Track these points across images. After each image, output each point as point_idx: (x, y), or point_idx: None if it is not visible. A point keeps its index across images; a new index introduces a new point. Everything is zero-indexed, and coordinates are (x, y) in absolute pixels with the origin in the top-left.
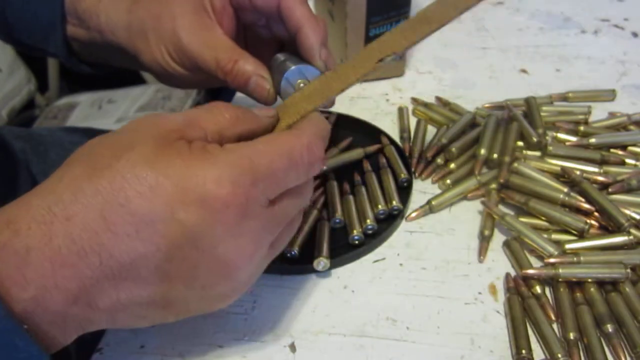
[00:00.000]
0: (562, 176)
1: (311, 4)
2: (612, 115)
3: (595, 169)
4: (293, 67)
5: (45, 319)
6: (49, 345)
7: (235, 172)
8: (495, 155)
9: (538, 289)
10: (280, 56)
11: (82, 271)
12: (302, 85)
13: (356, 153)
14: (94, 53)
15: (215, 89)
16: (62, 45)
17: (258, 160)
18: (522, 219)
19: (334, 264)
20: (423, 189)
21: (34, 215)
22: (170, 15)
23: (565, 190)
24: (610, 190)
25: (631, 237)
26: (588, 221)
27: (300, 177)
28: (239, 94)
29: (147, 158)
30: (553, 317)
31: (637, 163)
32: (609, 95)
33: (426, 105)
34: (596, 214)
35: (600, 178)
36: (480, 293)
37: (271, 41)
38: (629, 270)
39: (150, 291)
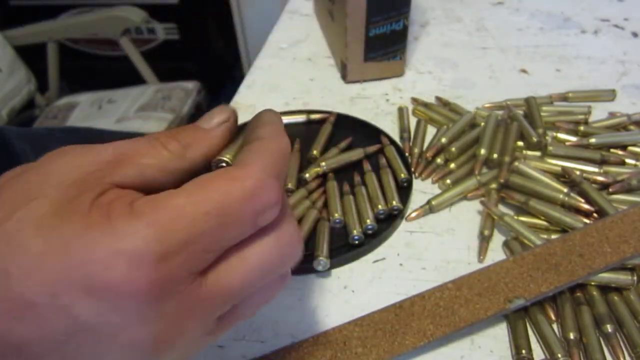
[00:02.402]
0: (563, 176)
1: (311, 4)
2: (612, 115)
3: (595, 169)
4: None
5: None
6: None
7: (134, 247)
8: (495, 155)
9: None
10: None
11: None
12: None
13: (356, 153)
14: None
15: (216, 87)
16: None
17: (172, 225)
18: (522, 219)
19: (334, 264)
20: (423, 189)
21: None
22: None
23: (565, 190)
24: (610, 190)
25: None
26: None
27: (245, 232)
28: (241, 93)
29: (40, 219)
30: (553, 317)
31: (637, 163)
32: (609, 95)
33: (426, 105)
34: (595, 214)
35: (600, 178)
36: None
37: None
38: (635, 278)
39: None
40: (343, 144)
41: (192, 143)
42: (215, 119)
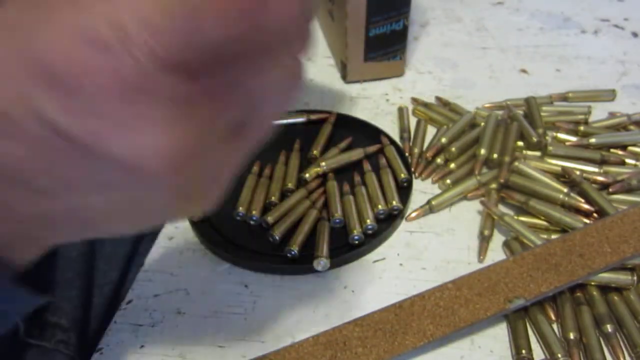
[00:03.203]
0: (563, 176)
1: None
2: (612, 115)
3: (595, 169)
4: None
5: None
6: None
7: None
8: (495, 155)
9: None
10: None
11: None
12: None
13: (356, 153)
14: None
15: None
16: None
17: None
18: (522, 219)
19: (334, 264)
20: (423, 189)
21: None
22: None
23: (565, 190)
24: (610, 190)
25: None
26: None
27: (243, 40)
28: None
29: None
30: (553, 317)
31: (637, 163)
32: (609, 95)
33: (426, 105)
34: (595, 214)
35: (600, 178)
36: None
37: None
38: (635, 278)
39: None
40: (343, 144)
41: None
42: None
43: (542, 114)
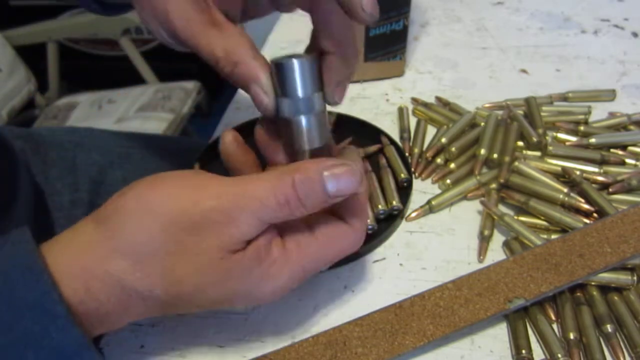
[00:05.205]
0: (563, 176)
1: None
2: (612, 115)
3: (595, 169)
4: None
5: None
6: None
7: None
8: (495, 155)
9: None
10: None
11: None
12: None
13: None
14: None
15: (216, 87)
16: None
17: (307, 267)
18: (522, 219)
19: (334, 264)
20: (423, 189)
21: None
22: None
23: (565, 190)
24: (610, 190)
25: None
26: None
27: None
28: (241, 93)
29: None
30: (553, 317)
31: (637, 163)
32: (609, 95)
33: (426, 105)
34: (595, 214)
35: (600, 178)
36: None
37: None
38: (635, 278)
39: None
40: (343, 144)
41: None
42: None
43: (542, 114)
